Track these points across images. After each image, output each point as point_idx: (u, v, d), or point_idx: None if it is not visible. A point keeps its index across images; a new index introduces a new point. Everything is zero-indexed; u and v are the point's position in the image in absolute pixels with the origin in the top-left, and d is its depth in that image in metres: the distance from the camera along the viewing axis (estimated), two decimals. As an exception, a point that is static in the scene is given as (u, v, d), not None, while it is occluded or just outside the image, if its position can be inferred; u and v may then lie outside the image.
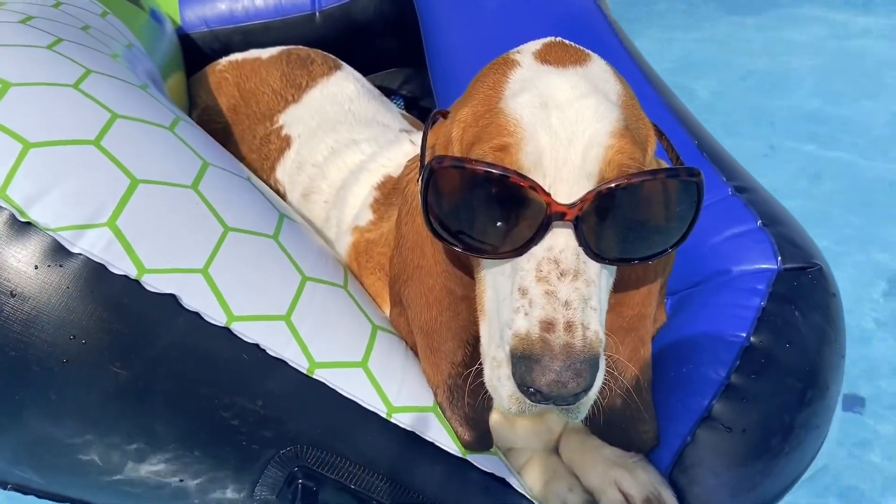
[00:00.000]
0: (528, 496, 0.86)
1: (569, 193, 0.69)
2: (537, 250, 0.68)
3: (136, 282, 0.71)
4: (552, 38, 0.83)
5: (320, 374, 0.78)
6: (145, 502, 0.78)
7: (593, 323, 0.66)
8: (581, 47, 0.82)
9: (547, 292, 0.66)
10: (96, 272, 0.70)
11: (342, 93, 1.55)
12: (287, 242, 0.85)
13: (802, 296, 1.00)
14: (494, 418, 0.95)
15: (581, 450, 0.94)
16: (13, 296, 0.68)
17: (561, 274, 0.67)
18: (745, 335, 0.96)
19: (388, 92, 2.44)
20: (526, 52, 0.80)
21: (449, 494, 0.80)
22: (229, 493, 0.77)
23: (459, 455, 0.83)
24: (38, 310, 0.68)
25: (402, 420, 0.81)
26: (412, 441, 0.81)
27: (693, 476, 0.88)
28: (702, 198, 0.71)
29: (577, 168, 0.69)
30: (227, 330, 0.74)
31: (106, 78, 0.86)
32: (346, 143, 1.33)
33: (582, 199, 0.67)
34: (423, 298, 0.84)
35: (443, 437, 0.83)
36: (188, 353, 0.73)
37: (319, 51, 1.83)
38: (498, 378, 0.70)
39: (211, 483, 0.76)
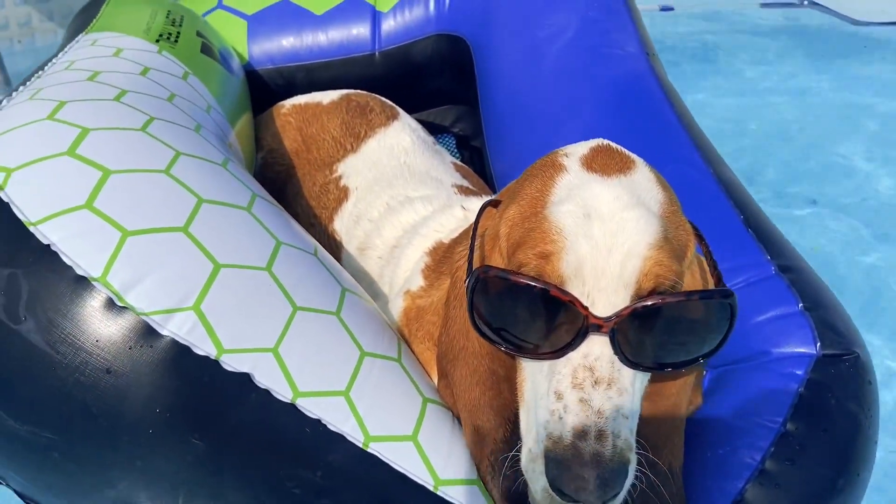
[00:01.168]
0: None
1: (606, 303, 0.74)
2: (574, 356, 0.74)
3: (216, 361, 0.79)
4: (600, 142, 0.89)
5: (374, 448, 0.84)
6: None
7: (624, 431, 0.72)
8: (627, 153, 0.87)
9: (581, 399, 0.72)
10: (181, 353, 0.78)
11: (398, 145, 1.63)
12: (348, 318, 0.92)
13: (839, 384, 1.03)
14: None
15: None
16: (109, 372, 0.76)
17: (595, 382, 0.72)
18: (781, 421, 0.99)
19: (440, 129, 2.52)
20: (573, 157, 0.85)
21: (488, 565, 0.86)
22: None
23: (500, 528, 0.88)
24: (130, 385, 0.76)
25: (448, 493, 0.87)
26: (457, 513, 0.87)
27: (723, 559, 0.93)
28: (735, 316, 0.76)
29: (615, 278, 0.74)
30: (293, 406, 0.81)
31: (193, 160, 0.94)
32: (402, 200, 1.40)
33: (618, 315, 0.73)
34: (468, 379, 0.90)
35: (485, 509, 0.88)
36: (258, 426, 0.80)
37: (378, 98, 1.91)
38: (533, 470, 0.76)
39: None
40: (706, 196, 1.32)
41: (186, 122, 1.08)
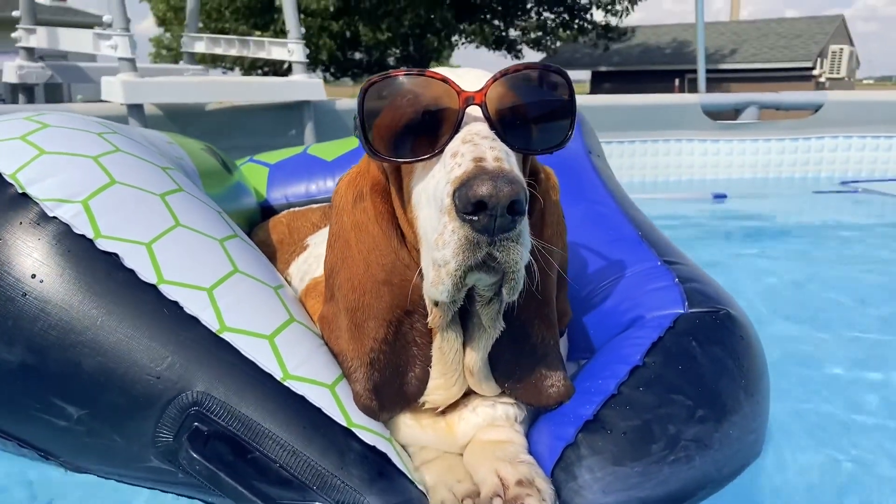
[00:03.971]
0: (407, 473, 0.91)
1: (473, 85, 0.89)
2: (459, 135, 0.86)
3: (91, 241, 0.92)
4: None
5: (227, 336, 0.92)
6: (69, 439, 0.92)
7: (515, 169, 0.81)
8: None
9: (475, 143, 0.83)
10: (62, 231, 0.92)
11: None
12: (230, 248, 1.04)
13: (702, 331, 1.06)
14: (409, 422, 1.03)
15: (479, 454, 0.99)
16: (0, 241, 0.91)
17: (483, 138, 0.84)
18: (638, 357, 1.02)
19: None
20: None
21: (327, 456, 0.88)
22: (135, 431, 0.90)
23: (344, 425, 0.92)
24: (15, 253, 0.90)
25: (295, 386, 0.92)
26: (300, 405, 0.91)
27: (572, 472, 0.92)
28: (573, 89, 0.92)
29: (476, 79, 0.90)
30: (154, 287, 0.92)
31: (130, 140, 1.15)
32: None
33: (485, 85, 0.88)
34: (349, 283, 0.99)
35: (332, 408, 0.92)
36: (120, 301, 0.91)
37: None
38: (444, 243, 0.81)
39: (122, 418, 0.89)
40: (613, 222, 1.44)
41: (144, 142, 1.31)
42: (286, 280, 1.60)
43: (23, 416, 0.92)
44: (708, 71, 5.91)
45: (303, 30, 4.24)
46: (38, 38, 3.81)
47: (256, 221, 2.34)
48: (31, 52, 3.97)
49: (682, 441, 0.93)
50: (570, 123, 0.92)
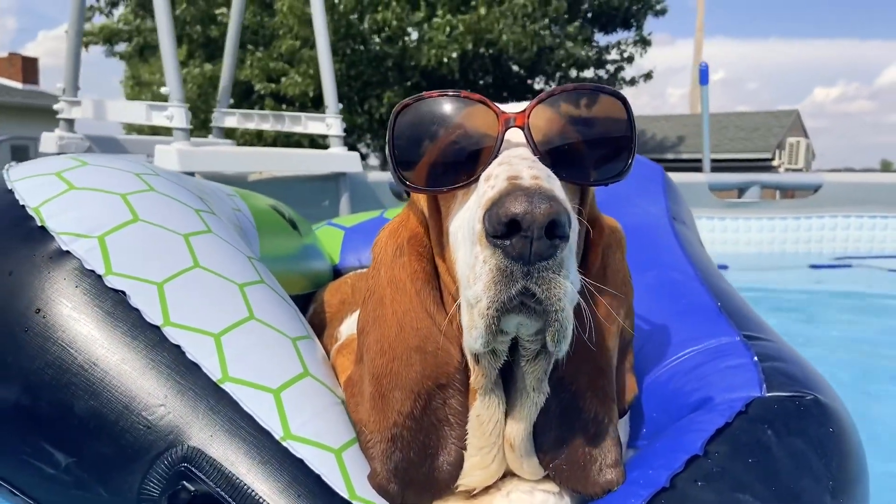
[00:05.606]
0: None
1: (515, 109, 0.81)
2: (496, 160, 0.77)
3: (100, 277, 0.88)
4: None
5: (229, 387, 0.85)
6: (57, 489, 0.85)
7: (556, 189, 0.70)
8: None
9: (510, 164, 0.73)
10: (74, 266, 0.88)
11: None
12: (251, 294, 0.97)
13: (781, 419, 0.90)
14: None
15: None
16: (10, 275, 0.87)
17: (521, 159, 0.75)
18: (699, 445, 0.86)
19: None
20: None
21: (321, 532, 0.78)
22: (121, 486, 0.82)
23: (345, 496, 0.81)
24: (21, 286, 0.86)
25: (295, 447, 0.82)
26: (297, 469, 0.81)
27: (606, 579, 0.76)
28: (631, 114, 0.80)
29: (519, 106, 0.82)
30: (158, 329, 0.86)
31: (171, 183, 1.12)
32: None
33: (528, 106, 0.79)
34: (378, 345, 0.90)
35: (334, 475, 0.82)
36: (120, 341, 0.85)
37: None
38: (476, 277, 0.71)
39: (109, 469, 0.82)
40: (687, 290, 1.30)
41: (191, 188, 1.28)
42: (336, 338, 1.53)
43: (13, 461, 0.87)
44: (671, 160, 6.29)
45: (340, 105, 4.34)
46: (84, 110, 3.95)
47: (313, 278, 2.29)
48: (70, 124, 4.12)
49: (748, 552, 0.76)
50: (629, 153, 0.81)
